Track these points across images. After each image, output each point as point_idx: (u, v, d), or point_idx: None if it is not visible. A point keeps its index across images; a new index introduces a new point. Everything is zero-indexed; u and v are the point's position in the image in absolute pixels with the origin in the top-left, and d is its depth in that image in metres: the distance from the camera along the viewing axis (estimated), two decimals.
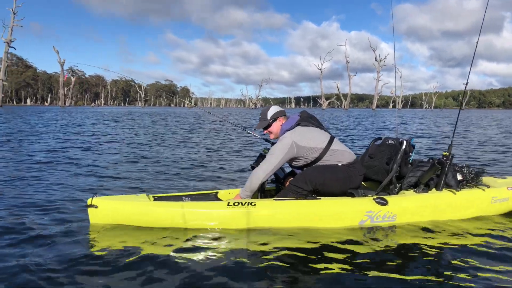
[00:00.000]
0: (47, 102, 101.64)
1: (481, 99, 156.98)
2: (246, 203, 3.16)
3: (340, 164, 3.40)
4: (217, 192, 3.80)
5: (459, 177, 3.65)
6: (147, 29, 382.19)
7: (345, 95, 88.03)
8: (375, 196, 3.32)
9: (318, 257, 2.74)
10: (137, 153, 8.66)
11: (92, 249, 2.80)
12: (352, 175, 3.42)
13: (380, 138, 3.97)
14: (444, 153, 3.47)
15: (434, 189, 3.53)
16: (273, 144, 3.72)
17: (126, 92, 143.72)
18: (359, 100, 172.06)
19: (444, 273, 2.56)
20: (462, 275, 2.51)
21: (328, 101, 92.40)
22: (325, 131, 3.58)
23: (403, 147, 3.57)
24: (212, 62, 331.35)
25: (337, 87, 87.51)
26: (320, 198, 3.29)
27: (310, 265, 2.62)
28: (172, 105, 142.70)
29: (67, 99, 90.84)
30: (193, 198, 3.66)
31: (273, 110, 3.59)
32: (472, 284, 2.39)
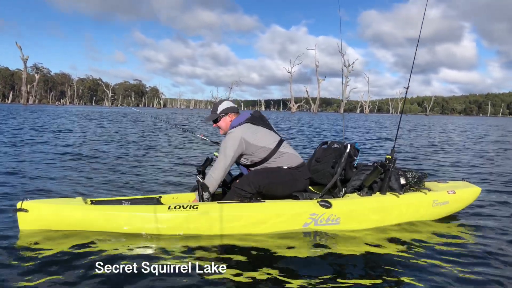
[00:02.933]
0: (8, 99, 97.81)
1: (444, 106, 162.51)
2: (188, 207, 3.09)
3: (285, 167, 3.40)
4: (160, 197, 3.70)
5: (402, 181, 3.72)
6: (114, 28, 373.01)
7: (314, 99, 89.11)
8: (319, 199, 3.33)
9: (260, 261, 2.72)
10: (78, 155, 8.31)
11: (21, 257, 2.64)
12: (298, 178, 3.42)
13: (326, 142, 4.00)
14: (387, 156, 3.53)
15: (378, 193, 3.59)
16: None
17: (93, 91, 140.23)
18: (328, 104, 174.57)
19: (384, 275, 2.59)
20: (402, 277, 2.56)
21: (297, 105, 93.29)
22: (274, 132, 3.57)
23: (348, 150, 3.61)
24: (181, 63, 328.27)
25: (306, 91, 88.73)
26: (264, 201, 3.27)
27: (252, 268, 2.59)
28: (140, 105, 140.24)
29: (30, 97, 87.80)
30: (134, 202, 3.53)
31: (225, 105, 3.56)
32: (415, 284, 2.44)
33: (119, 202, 3.50)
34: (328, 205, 3.26)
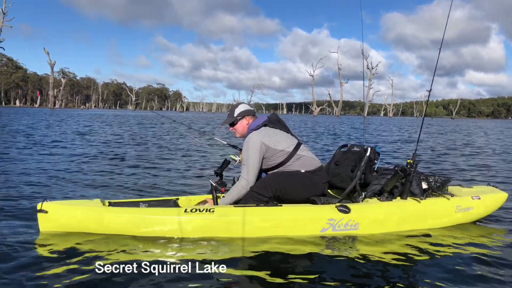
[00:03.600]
0: (36, 104, 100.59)
1: (470, 109, 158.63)
2: (205, 210, 3.08)
3: (303, 171, 3.35)
4: (177, 199, 3.70)
5: (424, 185, 3.62)
6: (138, 33, 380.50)
7: (336, 102, 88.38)
8: (338, 204, 3.26)
9: (277, 266, 2.67)
10: (96, 157, 8.45)
11: (41, 258, 2.67)
12: (315, 182, 3.36)
13: (346, 145, 3.92)
14: (408, 161, 3.44)
15: (398, 198, 3.49)
16: (240, 149, 3.66)
17: (117, 95, 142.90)
18: (351, 107, 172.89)
19: (403, 282, 2.51)
20: (422, 285, 2.48)
21: (319, 108, 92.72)
22: (292, 135, 3.53)
23: (368, 154, 3.52)
24: (204, 67, 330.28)
25: (329, 93, 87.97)
26: (281, 205, 3.23)
27: (270, 274, 2.55)
28: (163, 109, 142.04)
29: (57, 101, 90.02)
30: (151, 204, 3.55)
31: (241, 108, 3.53)
32: None
33: (136, 204, 3.52)
34: (346, 210, 3.19)
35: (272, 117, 3.54)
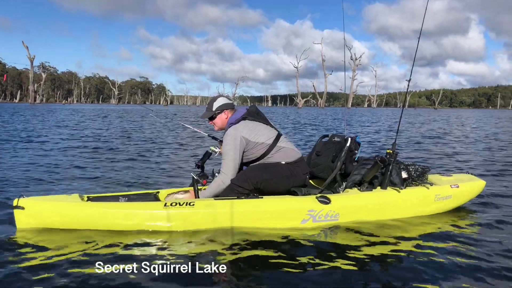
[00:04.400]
0: (16, 99, 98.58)
1: (452, 99, 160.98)
2: (185, 203, 3.05)
3: (283, 162, 3.34)
4: (157, 192, 3.66)
5: (404, 175, 3.64)
6: (120, 25, 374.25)
7: (320, 94, 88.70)
8: (318, 195, 3.26)
9: (257, 258, 2.65)
10: (74, 151, 8.33)
11: (17, 255, 2.61)
12: (296, 173, 3.36)
13: (327, 136, 3.93)
14: (388, 151, 3.45)
15: (379, 188, 3.51)
16: (220, 141, 3.63)
17: (99, 89, 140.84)
18: (335, 98, 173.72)
19: (384, 271, 2.53)
20: (402, 273, 2.49)
21: (304, 100, 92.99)
22: (272, 127, 3.51)
23: (348, 144, 3.54)
24: (187, 59, 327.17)
25: (313, 85, 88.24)
26: (262, 197, 3.21)
27: (249, 266, 2.54)
28: (147, 102, 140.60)
29: (37, 96, 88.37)
30: (131, 198, 3.51)
31: (220, 101, 3.49)
32: (416, 280, 2.39)
33: (116, 198, 3.47)
34: (327, 201, 3.20)
35: (251, 109, 3.52)
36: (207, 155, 3.65)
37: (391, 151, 3.43)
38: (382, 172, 3.50)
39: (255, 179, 3.21)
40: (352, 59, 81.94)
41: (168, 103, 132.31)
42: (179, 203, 3.05)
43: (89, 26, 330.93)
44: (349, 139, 3.58)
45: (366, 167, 3.50)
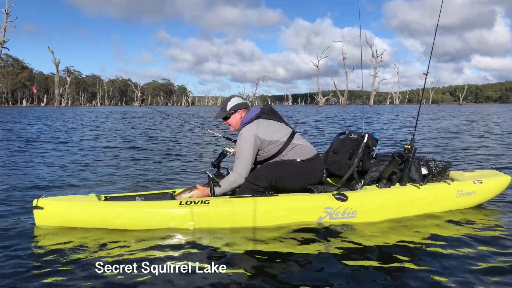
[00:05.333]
0: (43, 102, 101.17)
1: (478, 94, 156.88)
2: (200, 202, 3.05)
3: (298, 160, 3.30)
4: (174, 192, 3.67)
5: (424, 171, 3.55)
6: (140, 29, 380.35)
7: (342, 92, 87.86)
8: (335, 192, 3.21)
9: (275, 256, 2.63)
10: (91, 154, 8.43)
11: (38, 253, 2.66)
12: (311, 170, 3.31)
13: (344, 133, 3.86)
14: (406, 146, 3.37)
15: (397, 184, 3.43)
16: (234, 141, 3.62)
17: (123, 91, 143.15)
18: (356, 96, 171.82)
19: (402, 269, 2.47)
20: (421, 272, 2.42)
21: (325, 98, 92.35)
22: (286, 125, 3.48)
23: (365, 140, 3.48)
24: (207, 60, 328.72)
25: (334, 83, 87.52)
26: (277, 195, 3.18)
27: (268, 264, 2.52)
28: (169, 104, 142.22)
29: (63, 100, 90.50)
30: (147, 198, 3.53)
31: (234, 101, 3.48)
32: (437, 279, 2.32)
33: (132, 198, 3.50)
34: (343, 198, 3.14)
35: (265, 108, 3.49)
36: (223, 155, 3.65)
37: (409, 147, 3.35)
38: (401, 168, 3.42)
39: (270, 177, 3.19)
40: (373, 56, 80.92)
41: (190, 104, 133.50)
42: (194, 202, 3.05)
43: (110, 30, 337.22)
44: (366, 135, 3.52)
45: (384, 164, 3.42)
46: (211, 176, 3.30)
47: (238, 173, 3.24)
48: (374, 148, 3.60)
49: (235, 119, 3.47)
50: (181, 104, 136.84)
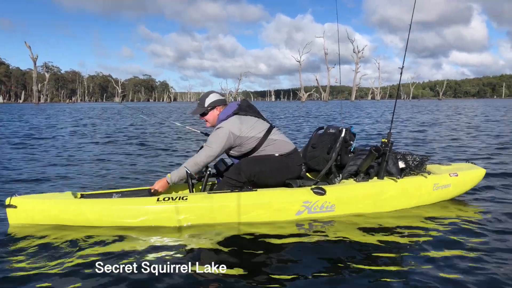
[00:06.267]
0: (20, 99, 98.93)
1: (457, 89, 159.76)
2: (177, 198, 3.02)
3: (276, 154, 3.30)
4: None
5: (402, 164, 3.59)
6: (120, 24, 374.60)
7: (324, 87, 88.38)
8: (313, 186, 3.22)
9: (253, 251, 2.63)
10: (66, 150, 8.31)
11: (11, 252, 2.61)
12: (290, 165, 3.32)
13: (322, 128, 3.88)
14: (383, 140, 3.40)
15: (375, 178, 3.46)
16: None
17: (103, 87, 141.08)
18: (338, 92, 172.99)
19: (381, 263, 2.48)
20: (399, 264, 2.45)
21: (307, 94, 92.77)
22: (263, 120, 3.47)
23: (342, 135, 3.50)
24: (189, 56, 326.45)
25: (316, 79, 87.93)
26: (256, 190, 3.18)
27: (246, 260, 2.52)
28: (151, 100, 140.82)
29: (42, 96, 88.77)
30: (125, 194, 3.48)
31: (212, 98, 3.46)
32: (414, 273, 2.33)
33: (109, 195, 3.44)
34: (322, 192, 3.16)
35: (243, 103, 3.48)
36: None
37: (386, 140, 3.38)
38: (378, 162, 3.45)
39: (249, 172, 3.18)
40: (354, 52, 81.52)
41: (172, 100, 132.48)
42: (172, 198, 3.02)
43: (89, 25, 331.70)
44: (344, 130, 3.54)
45: (362, 158, 3.45)
46: (189, 172, 3.27)
47: (199, 155, 3.24)
48: (352, 142, 3.63)
49: (213, 115, 3.45)
50: (163, 100, 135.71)
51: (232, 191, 3.14)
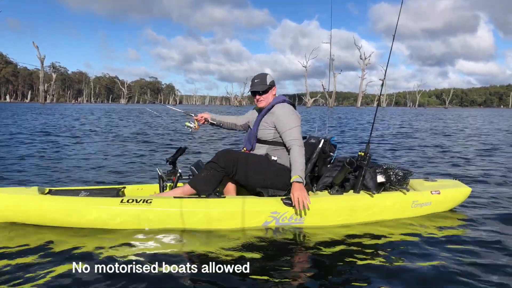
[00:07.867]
0: (27, 99, 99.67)
1: (463, 98, 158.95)
2: (142, 201, 2.93)
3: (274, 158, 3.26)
4: (123, 187, 3.54)
5: (381, 179, 3.44)
6: (127, 26, 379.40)
7: (330, 93, 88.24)
8: (284, 197, 3.12)
9: (215, 259, 2.51)
10: (44, 146, 8.31)
11: None
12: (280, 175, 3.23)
13: (304, 137, 3.78)
14: (360, 153, 3.29)
15: (351, 191, 3.34)
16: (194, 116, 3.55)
17: (109, 89, 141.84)
18: (344, 98, 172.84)
19: (345, 274, 2.40)
20: (365, 276, 2.38)
21: (313, 99, 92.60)
22: None
23: (320, 145, 3.40)
24: (195, 59, 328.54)
25: (322, 84, 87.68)
26: (224, 197, 3.09)
27: (206, 267, 2.40)
28: (156, 102, 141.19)
29: (48, 96, 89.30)
30: (93, 193, 3.36)
31: (270, 78, 3.40)
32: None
33: (77, 192, 3.33)
34: (291, 203, 3.04)
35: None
36: (181, 151, 3.56)
37: (363, 153, 3.27)
38: (355, 175, 3.34)
39: (232, 162, 3.10)
40: (361, 58, 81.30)
41: (177, 103, 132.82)
42: (136, 200, 2.93)
43: (97, 27, 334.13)
44: (322, 140, 3.43)
45: (337, 169, 3.33)
46: (160, 173, 3.19)
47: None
48: (331, 154, 3.51)
49: (271, 94, 3.39)
50: (168, 103, 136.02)
51: (199, 197, 3.04)
